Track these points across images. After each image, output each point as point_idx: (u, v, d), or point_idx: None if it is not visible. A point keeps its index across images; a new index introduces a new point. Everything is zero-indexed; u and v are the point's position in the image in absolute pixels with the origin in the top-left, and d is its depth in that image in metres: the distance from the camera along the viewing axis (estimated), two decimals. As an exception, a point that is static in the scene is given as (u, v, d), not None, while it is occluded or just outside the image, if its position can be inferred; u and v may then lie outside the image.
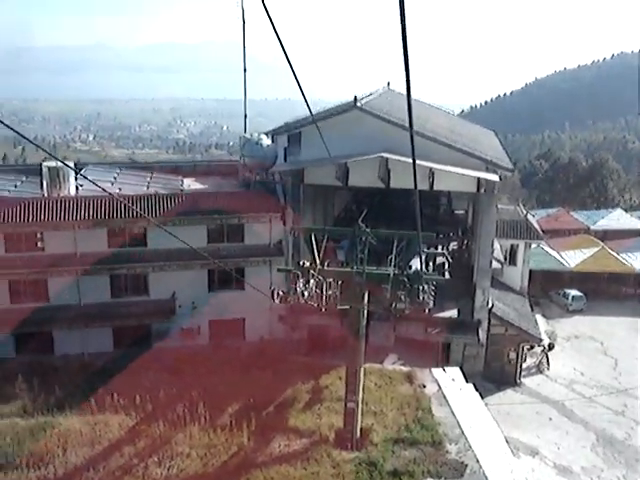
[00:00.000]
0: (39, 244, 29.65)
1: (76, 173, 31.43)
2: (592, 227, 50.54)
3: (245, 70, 38.91)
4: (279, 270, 21.98)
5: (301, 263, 20.68)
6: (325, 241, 21.98)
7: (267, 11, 6.89)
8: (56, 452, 19.05)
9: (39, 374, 24.73)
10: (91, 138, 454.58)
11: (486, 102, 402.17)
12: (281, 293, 19.16)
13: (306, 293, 20.21)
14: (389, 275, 19.79)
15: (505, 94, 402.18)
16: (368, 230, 20.23)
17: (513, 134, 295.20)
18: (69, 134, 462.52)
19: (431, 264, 27.61)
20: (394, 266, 20.91)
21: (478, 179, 28.42)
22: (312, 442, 20.14)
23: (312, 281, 20.48)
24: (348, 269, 20.10)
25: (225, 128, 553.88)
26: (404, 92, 6.00)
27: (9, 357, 29.47)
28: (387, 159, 28.10)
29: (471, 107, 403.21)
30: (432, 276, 20.81)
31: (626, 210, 56.69)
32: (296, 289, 19.77)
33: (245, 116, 39.64)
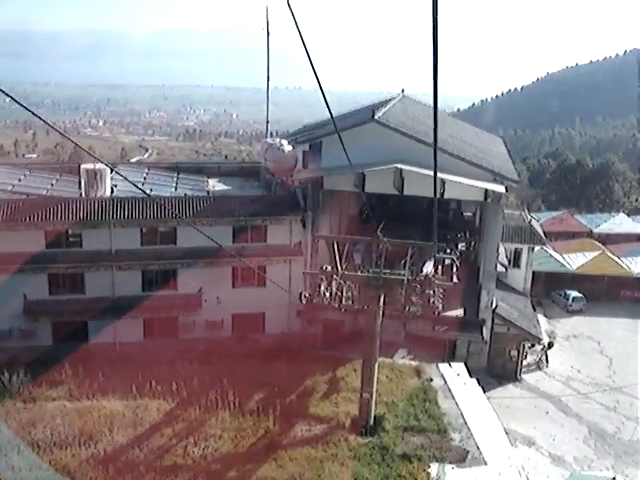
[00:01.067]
0: (78, 241, 31.95)
1: (112, 170, 33.75)
2: (595, 230, 52.57)
3: (268, 79, 40.83)
4: (305, 274, 24.19)
5: (324, 267, 23.07)
6: (346, 246, 24.35)
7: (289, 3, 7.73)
8: (103, 432, 21.47)
9: (80, 361, 27.13)
10: (101, 124, 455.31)
11: (497, 96, 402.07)
12: (307, 295, 21.53)
13: (328, 294, 22.64)
14: (403, 280, 22.10)
15: (516, 88, 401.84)
16: (385, 239, 22.52)
17: (523, 129, 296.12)
18: (79, 119, 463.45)
19: (440, 267, 29.91)
20: (407, 269, 23.29)
21: (485, 190, 30.58)
22: (331, 428, 22.52)
23: (334, 283, 22.90)
24: (367, 274, 22.38)
25: (235, 116, 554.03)
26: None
27: (46, 344, 31.95)
28: (401, 170, 30.24)
29: (482, 101, 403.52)
30: (442, 282, 23.06)
31: (628, 214, 58.55)
32: (320, 291, 22.17)
33: (267, 122, 41.73)
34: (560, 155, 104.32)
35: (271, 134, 47.20)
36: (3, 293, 31.18)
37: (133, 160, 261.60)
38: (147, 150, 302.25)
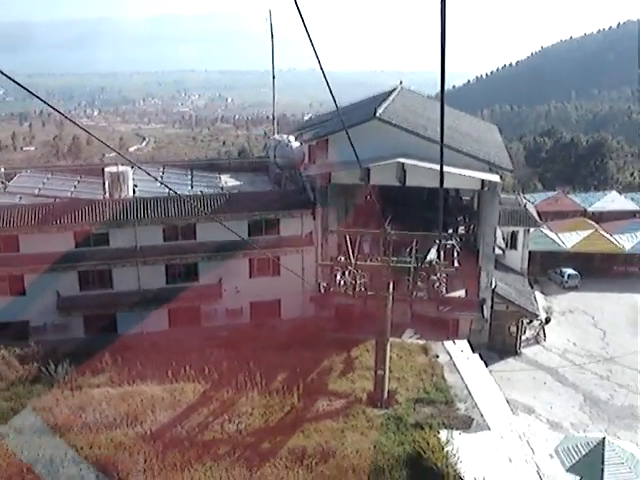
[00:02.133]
0: (105, 239, 34.29)
1: (133, 167, 36.05)
2: (589, 209, 54.79)
3: (274, 78, 42.91)
4: (320, 265, 26.60)
5: (338, 259, 25.52)
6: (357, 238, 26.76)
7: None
8: (147, 414, 24.00)
9: (115, 351, 29.58)
10: (96, 113, 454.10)
11: (492, 72, 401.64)
12: (325, 285, 23.99)
13: (342, 283, 25.13)
14: (410, 268, 24.55)
15: (511, 64, 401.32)
16: (392, 232, 24.93)
17: (519, 105, 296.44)
18: (74, 109, 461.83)
19: (442, 252, 32.28)
20: (413, 257, 25.77)
21: (482, 179, 32.90)
22: (349, 402, 25.11)
23: (347, 273, 25.37)
24: (377, 264, 24.82)
25: (230, 100, 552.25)
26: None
27: (78, 337, 34.43)
28: (403, 163, 32.53)
29: (477, 77, 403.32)
30: (445, 268, 25.51)
31: (620, 192, 60.71)
32: (336, 281, 24.64)
33: (273, 118, 43.87)
34: (555, 133, 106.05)
35: (277, 122, 49.04)
36: (38, 291, 33.79)
37: (131, 149, 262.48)
38: (144, 139, 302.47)
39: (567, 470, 22.55)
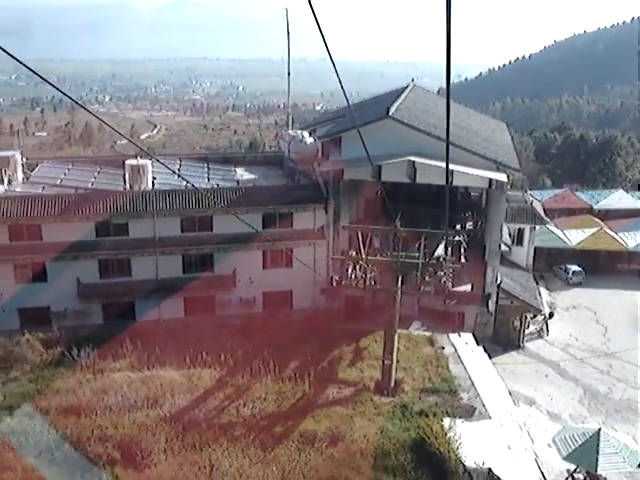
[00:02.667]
0: (125, 229, 35.60)
1: (152, 159, 37.30)
2: (595, 206, 55.65)
3: (289, 74, 43.99)
4: (333, 259, 27.81)
5: (350, 253, 26.72)
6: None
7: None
8: (166, 397, 25.35)
9: (134, 337, 30.89)
10: (107, 99, 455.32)
11: (504, 65, 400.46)
12: (337, 278, 25.22)
13: (354, 276, 26.35)
14: (418, 264, 25.74)
15: (524, 57, 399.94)
16: (401, 229, 26.10)
17: (531, 98, 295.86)
18: (85, 95, 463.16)
19: (450, 248, 33.45)
20: (421, 253, 26.94)
21: (490, 178, 33.98)
22: (358, 390, 26.41)
23: (358, 267, 26.59)
24: (387, 259, 26.00)
25: (241, 89, 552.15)
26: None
27: (97, 323, 35.82)
28: (414, 161, 33.62)
29: (489, 70, 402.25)
30: (452, 264, 26.69)
31: (627, 190, 61.52)
32: (348, 274, 25.86)
33: (288, 115, 44.96)
34: (566, 129, 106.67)
35: (292, 120, 50.14)
36: (59, 278, 35.16)
37: (143, 137, 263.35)
38: (156, 126, 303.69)
39: (564, 458, 23.63)
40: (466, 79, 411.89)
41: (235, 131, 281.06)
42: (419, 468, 20.28)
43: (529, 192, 50.00)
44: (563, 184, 79.48)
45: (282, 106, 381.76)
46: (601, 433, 23.80)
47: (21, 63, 7.52)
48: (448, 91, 8.17)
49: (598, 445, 23.30)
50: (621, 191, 59.30)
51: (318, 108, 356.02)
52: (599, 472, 22.96)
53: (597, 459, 23.01)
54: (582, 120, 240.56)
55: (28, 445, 21.97)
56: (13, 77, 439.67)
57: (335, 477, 19.60)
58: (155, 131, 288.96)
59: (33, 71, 7.92)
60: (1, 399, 26.04)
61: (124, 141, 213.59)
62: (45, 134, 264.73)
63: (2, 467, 20.11)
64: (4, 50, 7.31)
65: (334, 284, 26.29)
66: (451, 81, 7.33)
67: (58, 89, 9.34)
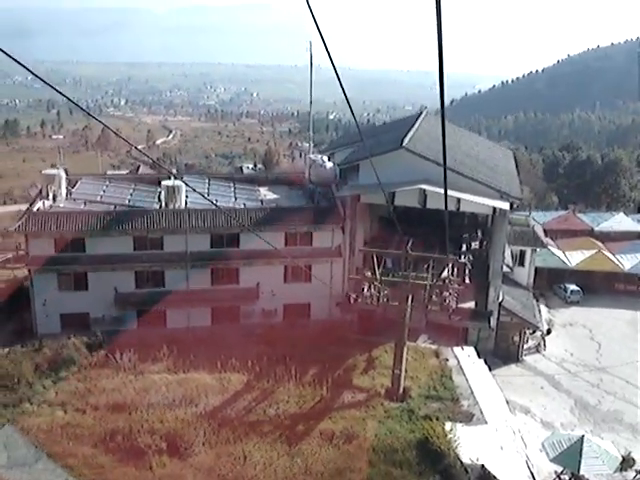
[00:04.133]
0: (159, 244, 39.07)
1: (182, 178, 40.80)
2: (596, 228, 58.59)
3: (311, 103, 47.40)
4: (351, 278, 31.18)
5: (365, 274, 30.10)
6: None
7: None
8: (201, 397, 28.72)
9: (168, 342, 34.30)
10: (123, 103, 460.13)
11: (517, 78, 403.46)
12: (355, 297, 28.61)
13: (368, 294, 29.72)
14: (426, 285, 29.08)
15: (537, 70, 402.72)
16: (412, 252, 29.44)
17: (543, 112, 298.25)
18: (101, 98, 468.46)
19: (455, 269, 36.68)
20: (430, 274, 30.28)
21: (494, 206, 37.26)
22: (370, 395, 29.72)
23: (372, 286, 29.97)
24: (399, 279, 29.33)
25: (255, 95, 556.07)
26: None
27: (132, 329, 39.21)
28: (425, 189, 36.94)
29: (502, 83, 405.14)
30: (457, 285, 29.99)
31: (626, 214, 64.38)
32: (363, 293, 29.25)
33: (310, 141, 48.39)
34: (574, 148, 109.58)
35: (300, 121, 53.21)
36: (99, 287, 38.69)
37: (158, 142, 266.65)
38: (171, 132, 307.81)
39: (551, 460, 26.80)
40: (479, 91, 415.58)
41: (249, 138, 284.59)
42: (422, 463, 23.61)
43: (532, 215, 53.09)
44: (569, 203, 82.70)
45: (296, 114, 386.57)
46: (584, 439, 26.97)
47: (26, 68, 7.97)
48: (442, 112, 9.14)
49: (581, 450, 26.45)
50: (622, 214, 62.24)
51: (331, 117, 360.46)
52: (582, 473, 26.16)
53: (580, 462, 26.17)
54: (593, 136, 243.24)
55: (83, 436, 25.42)
56: (29, 78, 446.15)
57: (351, 469, 22.91)
58: (170, 136, 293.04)
59: (43, 80, 8.42)
60: (54, 395, 29.50)
61: (140, 146, 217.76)
62: (62, 137, 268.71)
63: (66, 454, 23.54)
64: (6, 53, 7.42)
65: (351, 301, 29.67)
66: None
67: (68, 98, 9.85)
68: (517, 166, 47.92)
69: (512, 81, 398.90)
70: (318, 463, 23.36)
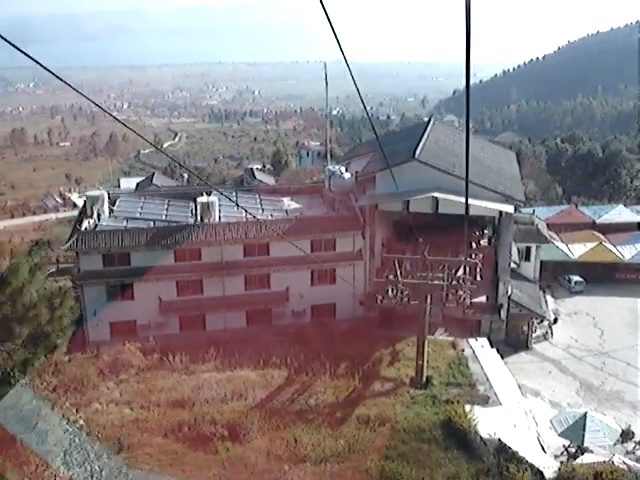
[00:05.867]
0: (198, 255, 43.05)
1: (212, 193, 44.74)
2: (597, 221, 62.01)
3: (330, 122, 51.14)
4: (375, 282, 35.08)
5: (388, 276, 33.99)
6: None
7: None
8: (248, 391, 32.63)
9: (209, 344, 38.16)
10: (126, 106, 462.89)
11: (519, 66, 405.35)
12: (380, 297, 32.54)
13: (392, 295, 33.64)
14: (443, 285, 32.97)
15: (538, 58, 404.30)
16: (429, 257, 33.31)
17: (545, 100, 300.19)
18: (104, 102, 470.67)
19: (468, 268, 40.43)
20: (446, 275, 34.15)
21: (500, 210, 41.07)
22: (397, 384, 33.66)
23: (394, 288, 33.86)
24: (418, 281, 33.18)
25: (257, 93, 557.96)
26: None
27: (174, 333, 43.19)
28: (437, 197, 40.72)
29: (504, 71, 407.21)
30: (470, 284, 33.84)
31: (625, 205, 67.98)
32: (387, 294, 33.17)
33: (328, 153, 52.23)
34: (576, 139, 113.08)
35: (305, 118, 56.83)
36: (144, 296, 42.71)
37: (165, 145, 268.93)
38: (176, 134, 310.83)
39: (559, 435, 30.70)
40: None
41: (255, 138, 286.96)
42: (447, 440, 27.53)
43: (536, 211, 56.83)
44: (572, 194, 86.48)
45: (299, 111, 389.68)
46: (587, 415, 30.85)
47: (47, 70, 8.71)
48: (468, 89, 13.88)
49: (585, 424, 30.31)
50: (621, 206, 65.74)
51: (334, 112, 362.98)
52: (586, 445, 30.03)
53: (584, 435, 30.04)
54: (596, 122, 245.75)
55: (153, 429, 29.38)
56: (31, 85, 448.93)
57: (387, 446, 26.86)
58: (177, 139, 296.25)
59: (64, 81, 9.21)
60: (119, 396, 33.49)
61: (147, 150, 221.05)
62: (69, 144, 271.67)
63: (142, 444, 27.52)
64: (28, 56, 8.01)
65: (378, 302, 33.71)
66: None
67: (90, 99, 10.93)
68: (520, 163, 51.56)
69: (513, 69, 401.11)
70: (358, 443, 27.25)
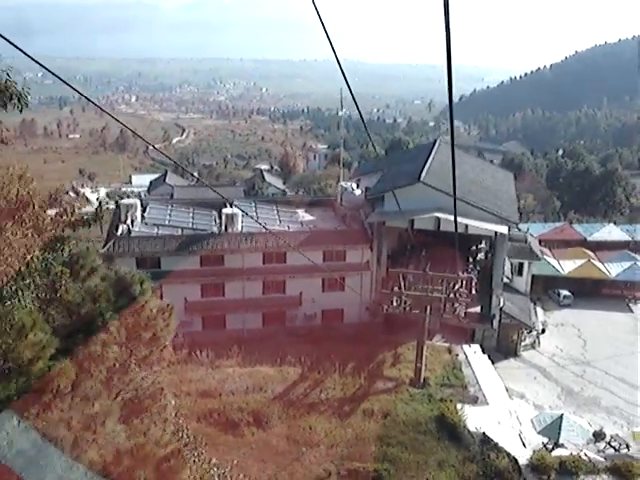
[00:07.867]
0: (221, 261, 47.65)
1: (232, 205, 49.31)
2: (588, 238, 66.51)
3: (343, 145, 55.76)
4: (382, 293, 39.66)
5: (394, 289, 38.61)
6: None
7: None
8: (267, 385, 37.25)
9: (231, 342, 42.75)
10: (134, 100, 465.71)
11: (526, 74, 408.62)
12: (385, 307, 37.16)
13: (395, 304, 38.24)
14: (441, 298, 37.58)
15: (545, 66, 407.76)
16: (430, 273, 37.89)
17: (551, 110, 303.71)
18: (112, 94, 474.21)
19: (464, 282, 45.00)
20: (444, 289, 38.73)
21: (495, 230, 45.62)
22: (398, 384, 38.24)
23: (398, 300, 38.46)
24: (419, 294, 37.76)
25: (264, 90, 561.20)
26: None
27: (197, 331, 47.64)
28: (439, 217, 45.26)
29: (511, 79, 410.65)
30: (465, 298, 38.44)
31: (615, 223, 72.41)
32: (392, 303, 37.79)
33: (342, 163, 56.71)
34: (576, 155, 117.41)
35: (312, 117, 61.22)
36: (171, 297, 46.91)
37: (174, 141, 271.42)
38: (184, 130, 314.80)
39: (538, 433, 35.23)
40: (487, 87, 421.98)
41: (262, 137, 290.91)
42: (440, 432, 32.23)
43: (530, 228, 61.35)
44: (569, 209, 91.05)
45: (306, 110, 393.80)
46: (563, 417, 35.30)
47: (43, 67, 8.75)
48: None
49: (561, 424, 34.71)
50: (612, 225, 70.19)
51: (341, 113, 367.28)
52: (561, 442, 34.54)
53: (559, 433, 34.48)
54: (600, 134, 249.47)
55: (186, 415, 33.95)
56: (40, 75, 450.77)
57: (388, 436, 31.50)
58: (184, 135, 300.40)
59: (58, 77, 9.23)
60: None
61: (157, 145, 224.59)
62: (78, 136, 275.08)
63: (177, 430, 32.14)
64: (18, 48, 7.97)
65: (383, 310, 38.53)
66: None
67: (88, 98, 10.98)
68: (521, 177, 55.79)
69: (520, 77, 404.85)
70: (364, 432, 31.94)
